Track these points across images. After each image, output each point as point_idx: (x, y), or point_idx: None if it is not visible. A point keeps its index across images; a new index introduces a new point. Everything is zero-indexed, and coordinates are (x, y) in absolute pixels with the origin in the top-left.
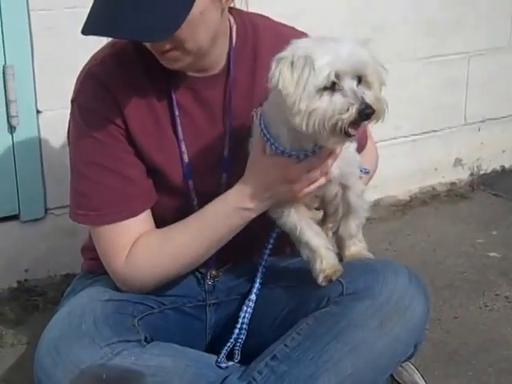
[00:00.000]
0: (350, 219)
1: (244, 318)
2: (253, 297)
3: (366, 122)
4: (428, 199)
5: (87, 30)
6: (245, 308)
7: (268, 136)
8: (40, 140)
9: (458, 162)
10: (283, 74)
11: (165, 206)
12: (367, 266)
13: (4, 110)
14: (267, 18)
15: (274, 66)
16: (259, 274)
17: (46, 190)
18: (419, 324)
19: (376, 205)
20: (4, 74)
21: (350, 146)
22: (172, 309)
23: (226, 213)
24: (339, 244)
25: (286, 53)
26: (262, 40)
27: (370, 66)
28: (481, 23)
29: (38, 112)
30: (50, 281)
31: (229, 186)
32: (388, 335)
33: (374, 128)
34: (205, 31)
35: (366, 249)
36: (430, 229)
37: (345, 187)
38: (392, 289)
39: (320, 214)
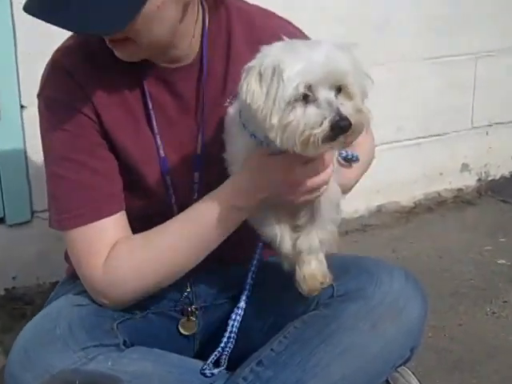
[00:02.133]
0: (313, 229)
1: (233, 326)
2: (242, 304)
3: (341, 137)
4: (434, 206)
5: (29, 8)
6: (233, 316)
7: (250, 131)
8: (24, 137)
9: (464, 167)
10: (251, 87)
11: (141, 207)
12: (360, 267)
13: None
14: (243, 2)
15: (242, 77)
16: (248, 281)
17: (31, 192)
18: (416, 326)
19: (378, 211)
20: None
21: None
22: (156, 313)
23: (215, 212)
24: (297, 258)
25: (254, 62)
26: (235, 27)
27: (350, 75)
28: (489, 22)
29: (22, 107)
30: (38, 288)
31: (202, 186)
32: (381, 338)
33: (374, 131)
34: (161, 26)
35: (326, 275)
36: (436, 236)
37: None
38: (386, 290)
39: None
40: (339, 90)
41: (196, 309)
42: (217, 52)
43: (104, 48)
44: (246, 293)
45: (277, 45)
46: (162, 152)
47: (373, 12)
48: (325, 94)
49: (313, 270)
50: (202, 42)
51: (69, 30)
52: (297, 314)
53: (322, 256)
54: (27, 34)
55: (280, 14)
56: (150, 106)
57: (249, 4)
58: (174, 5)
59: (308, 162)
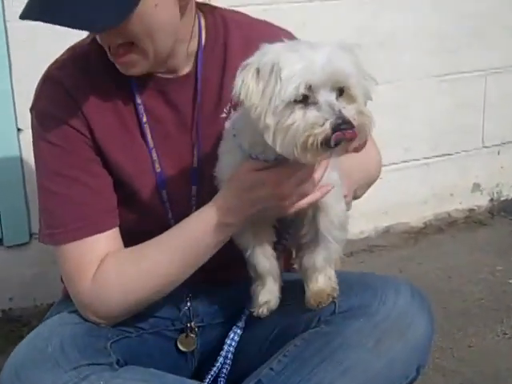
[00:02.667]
0: (316, 249)
1: (230, 345)
2: (241, 324)
3: (343, 142)
4: (444, 226)
5: (23, 14)
6: (231, 335)
7: (241, 144)
8: (22, 160)
9: (476, 187)
10: (247, 83)
11: (137, 222)
12: (364, 283)
13: None
14: (242, 14)
15: (238, 73)
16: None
17: (30, 214)
18: (422, 344)
19: (386, 232)
20: None
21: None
22: (152, 333)
23: (205, 229)
24: (302, 274)
25: (253, 59)
26: (232, 38)
27: (353, 77)
28: (498, 38)
29: (19, 130)
30: (35, 310)
31: (199, 198)
32: (386, 355)
33: (382, 151)
34: (162, 28)
35: (334, 289)
36: (446, 256)
37: (317, 207)
38: (391, 306)
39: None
40: (341, 92)
41: (198, 326)
42: (213, 63)
43: (99, 62)
44: (246, 312)
45: (277, 44)
46: (157, 166)
47: (379, 29)
48: (326, 96)
49: (320, 287)
50: (197, 52)
51: (66, 26)
52: (298, 332)
53: (330, 271)
54: (22, 57)
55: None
56: (144, 120)
57: (245, 14)
58: (172, 5)
59: (295, 172)
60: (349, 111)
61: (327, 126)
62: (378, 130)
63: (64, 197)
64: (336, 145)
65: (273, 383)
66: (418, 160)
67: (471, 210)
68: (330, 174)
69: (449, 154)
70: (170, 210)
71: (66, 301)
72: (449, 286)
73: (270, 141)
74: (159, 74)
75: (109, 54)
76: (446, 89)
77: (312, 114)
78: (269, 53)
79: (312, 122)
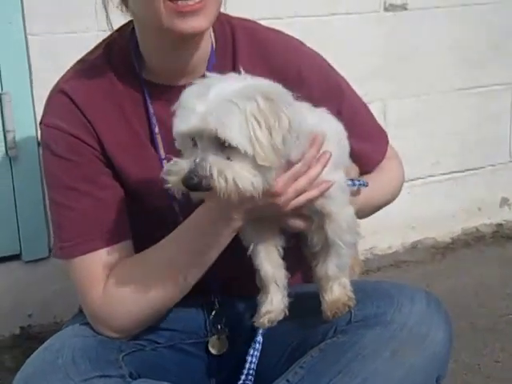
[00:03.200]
0: (327, 258)
1: (251, 362)
2: (259, 338)
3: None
4: (472, 241)
5: None
6: (251, 351)
7: None
8: (41, 174)
9: (504, 201)
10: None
11: (151, 232)
12: (380, 291)
13: (2, 140)
14: (248, 21)
15: None
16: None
17: (49, 228)
18: (440, 353)
19: (413, 247)
20: (1, 101)
21: None
22: (168, 347)
23: (209, 224)
24: (319, 285)
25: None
26: (240, 44)
27: (233, 131)
28: None
29: (39, 145)
30: (55, 327)
31: None
32: (403, 366)
33: (407, 164)
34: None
35: (350, 298)
36: (473, 272)
37: (322, 215)
38: (407, 315)
39: None
40: (227, 144)
41: (225, 326)
42: (223, 68)
43: (109, 73)
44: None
45: (200, 82)
46: None
47: (403, 43)
48: (202, 145)
49: (335, 297)
50: (209, 57)
51: None
52: (315, 343)
53: (344, 280)
54: (43, 70)
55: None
56: (156, 130)
57: (251, 21)
58: None
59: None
60: (211, 167)
61: (175, 177)
62: (405, 144)
63: (74, 210)
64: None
65: None
66: (445, 174)
67: (499, 225)
68: (333, 175)
69: (476, 169)
70: (182, 219)
71: (82, 315)
72: (476, 302)
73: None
74: (172, 83)
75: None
76: (472, 102)
77: (182, 160)
78: (190, 89)
79: (169, 167)
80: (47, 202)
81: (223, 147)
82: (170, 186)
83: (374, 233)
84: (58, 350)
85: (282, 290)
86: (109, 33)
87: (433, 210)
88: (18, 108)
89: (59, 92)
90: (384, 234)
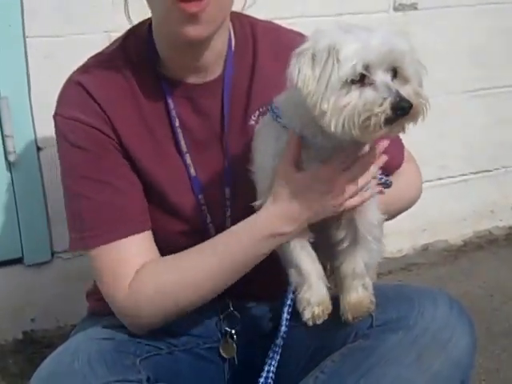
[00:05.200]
0: (357, 253)
1: (270, 365)
2: (279, 341)
3: (401, 120)
4: (484, 244)
5: None
6: (271, 354)
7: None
8: (42, 177)
9: None
10: (303, 71)
11: (174, 229)
12: (401, 295)
13: (1, 145)
14: (269, 22)
15: (293, 62)
16: (285, 316)
17: (51, 232)
18: (464, 359)
19: (425, 250)
20: None
21: None
22: (184, 351)
23: (255, 240)
24: (339, 286)
25: (307, 44)
26: (261, 45)
27: (408, 58)
28: None
29: (39, 149)
30: (58, 331)
31: (233, 201)
32: (427, 372)
33: (419, 167)
34: None
35: (372, 302)
36: (487, 274)
37: (353, 211)
38: (430, 318)
39: None
40: (395, 73)
41: (239, 330)
42: (242, 69)
43: (126, 67)
44: (282, 329)
45: (329, 29)
46: (192, 171)
47: (414, 43)
48: (382, 76)
49: (359, 297)
50: (226, 56)
51: None
52: (335, 347)
53: (368, 281)
54: (41, 74)
55: None
56: (177, 124)
57: (272, 23)
58: None
59: (348, 167)
60: (405, 90)
61: (386, 104)
62: (414, 146)
63: (94, 200)
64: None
65: None
66: (457, 177)
67: None
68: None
69: (487, 171)
70: (208, 213)
71: (92, 318)
72: (491, 306)
73: (326, 123)
74: (188, 80)
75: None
76: (482, 104)
77: (370, 93)
78: (323, 37)
79: (372, 101)
80: (49, 206)
81: (393, 78)
82: (373, 122)
83: (384, 236)
84: (73, 353)
85: (324, 282)
86: (106, 36)
87: (444, 212)
88: (16, 113)
89: (74, 83)
90: (394, 236)
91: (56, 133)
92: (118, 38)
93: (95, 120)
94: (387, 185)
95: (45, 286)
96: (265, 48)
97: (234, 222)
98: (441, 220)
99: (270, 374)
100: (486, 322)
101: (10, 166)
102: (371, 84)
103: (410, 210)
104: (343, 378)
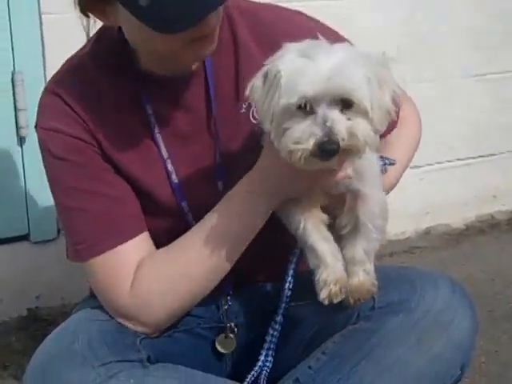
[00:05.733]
0: (356, 241)
1: (270, 342)
2: (279, 318)
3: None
4: (486, 228)
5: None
6: (270, 331)
7: None
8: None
9: None
10: (254, 86)
11: (160, 231)
12: (403, 277)
13: (13, 120)
14: (242, 1)
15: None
16: (285, 293)
17: None
18: (465, 341)
19: (427, 233)
20: (13, 81)
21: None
22: (184, 331)
23: (239, 205)
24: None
25: (268, 61)
26: (238, 26)
27: (360, 91)
28: None
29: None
30: (63, 309)
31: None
32: (428, 353)
33: (421, 149)
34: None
35: (373, 284)
36: (488, 258)
37: (355, 196)
38: (431, 301)
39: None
40: (349, 105)
41: (236, 325)
42: (224, 55)
43: (99, 71)
44: (282, 306)
45: (293, 47)
46: (174, 177)
47: (419, 27)
48: (324, 108)
49: (360, 282)
50: None
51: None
52: (336, 329)
53: (369, 266)
54: (56, 50)
55: None
56: (157, 130)
57: (247, 1)
58: None
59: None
60: (345, 128)
61: (311, 142)
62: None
63: (84, 211)
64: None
65: (311, 381)
66: (460, 160)
67: None
68: (370, 160)
69: (491, 155)
70: (193, 220)
71: (92, 298)
72: (493, 289)
73: (272, 140)
74: (166, 75)
75: (176, 55)
76: (488, 87)
77: (303, 125)
78: (279, 57)
79: (297, 136)
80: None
81: (344, 109)
82: (298, 155)
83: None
84: (73, 333)
85: (340, 260)
86: None
87: (447, 196)
88: (30, 88)
89: (50, 93)
90: (397, 219)
91: (39, 145)
92: (92, 37)
93: (74, 129)
94: (392, 163)
95: (50, 264)
96: (243, 30)
97: None
98: (444, 204)
99: (270, 352)
100: (487, 306)
101: (21, 141)
102: (313, 114)
103: (414, 193)
104: (344, 359)
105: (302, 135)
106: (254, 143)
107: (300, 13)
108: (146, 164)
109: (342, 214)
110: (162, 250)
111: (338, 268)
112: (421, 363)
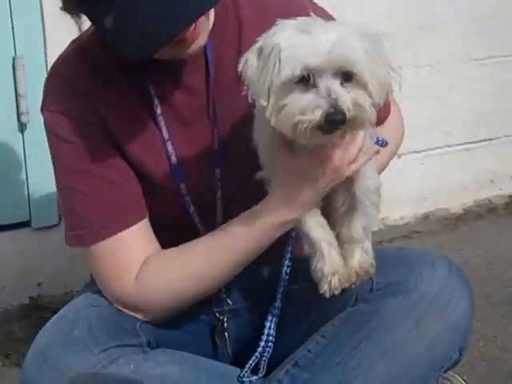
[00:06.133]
0: (354, 217)
1: (270, 328)
2: (278, 303)
3: (338, 130)
4: (484, 212)
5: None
6: (269, 317)
7: None
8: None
9: None
10: (249, 61)
11: (160, 214)
12: (400, 258)
13: (14, 106)
14: None
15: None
16: (283, 277)
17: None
18: (463, 323)
19: (425, 218)
20: (14, 65)
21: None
22: (184, 317)
23: (261, 231)
24: (341, 250)
25: (261, 37)
26: (243, 9)
27: (361, 63)
28: None
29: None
30: (65, 297)
31: (224, 182)
32: (426, 336)
33: (420, 134)
34: None
35: (372, 265)
36: (486, 243)
37: (352, 176)
38: (428, 282)
39: None
40: (349, 78)
41: (231, 311)
42: (227, 38)
43: (104, 53)
44: (280, 290)
45: (289, 23)
46: (174, 158)
47: (418, 11)
48: (326, 81)
49: (358, 263)
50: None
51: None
52: (335, 312)
53: (367, 244)
54: (57, 35)
55: None
56: (159, 112)
57: None
58: None
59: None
60: (350, 99)
61: (317, 113)
62: (418, 114)
63: (87, 195)
64: (332, 131)
65: (311, 365)
66: (459, 145)
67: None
68: (368, 142)
69: (490, 139)
70: (191, 203)
71: (93, 284)
72: (491, 274)
73: (269, 118)
74: (168, 58)
75: (163, 53)
76: (487, 72)
77: (306, 98)
78: (275, 32)
79: (302, 107)
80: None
81: (344, 82)
82: (304, 127)
83: (385, 203)
84: (73, 320)
85: (335, 248)
86: None
87: (445, 181)
88: (31, 73)
89: (56, 75)
90: (396, 204)
91: (45, 127)
92: None
93: (81, 110)
94: (385, 144)
95: (52, 251)
96: (248, 13)
97: (225, 204)
98: (442, 189)
99: (270, 338)
100: (485, 290)
101: (22, 127)
102: (314, 87)
103: (412, 178)
104: (343, 342)
105: (309, 106)
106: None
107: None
108: (147, 145)
109: (336, 195)
110: (174, 249)
111: (334, 257)
112: (419, 346)
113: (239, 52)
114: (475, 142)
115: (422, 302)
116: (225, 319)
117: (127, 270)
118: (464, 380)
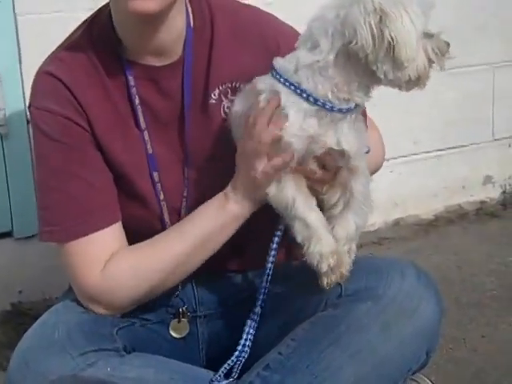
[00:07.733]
0: (349, 215)
1: (248, 333)
2: (257, 310)
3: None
4: (455, 218)
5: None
6: (249, 322)
7: (302, 88)
8: (31, 152)
9: (487, 179)
10: (406, 23)
11: (132, 213)
12: (370, 265)
13: None
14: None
15: (361, 22)
16: (263, 285)
17: None
18: (430, 327)
19: (396, 224)
20: None
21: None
22: (157, 323)
23: (224, 222)
24: None
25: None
26: (218, 23)
27: None
28: (506, 30)
29: (29, 123)
30: (45, 303)
31: (191, 180)
32: (394, 339)
33: (390, 142)
34: None
35: (349, 270)
36: (456, 248)
37: (351, 171)
38: (397, 289)
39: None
40: None
41: (187, 310)
42: (200, 48)
43: (92, 52)
44: (261, 297)
45: None
46: (149, 147)
47: None
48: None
49: (343, 262)
50: (186, 37)
51: None
52: (306, 316)
53: (354, 247)
54: (32, 48)
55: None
56: (137, 102)
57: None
58: None
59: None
60: None
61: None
62: (387, 122)
63: (65, 193)
64: None
65: (281, 367)
66: (429, 152)
67: (483, 202)
68: (363, 143)
69: (460, 146)
70: (161, 191)
71: (72, 291)
72: (460, 278)
73: (409, 70)
74: (150, 63)
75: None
76: (454, 82)
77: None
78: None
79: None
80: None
81: None
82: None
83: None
84: (53, 325)
85: (330, 233)
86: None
87: (416, 187)
88: (7, 86)
89: (45, 73)
90: None
91: (31, 124)
92: (84, 22)
93: (68, 110)
94: (368, 151)
95: (33, 259)
96: (222, 27)
97: (190, 203)
98: (413, 195)
99: (247, 343)
100: (454, 293)
101: (1, 138)
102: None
103: (383, 185)
104: (313, 344)
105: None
106: (223, 136)
107: (274, 16)
108: (128, 142)
109: (331, 193)
110: (140, 243)
111: (331, 240)
112: (387, 348)
113: (208, 64)
114: (445, 149)
115: (390, 307)
116: (183, 318)
117: (96, 264)
118: (431, 381)
